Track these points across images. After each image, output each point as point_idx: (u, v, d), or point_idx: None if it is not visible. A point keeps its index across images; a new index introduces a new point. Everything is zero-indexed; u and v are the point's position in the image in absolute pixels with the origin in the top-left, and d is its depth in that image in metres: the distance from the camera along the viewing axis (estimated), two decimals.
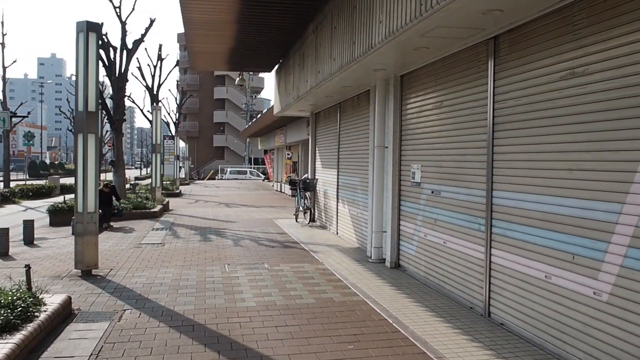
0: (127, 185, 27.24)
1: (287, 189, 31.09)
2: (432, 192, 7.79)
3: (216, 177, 63.81)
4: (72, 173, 58.14)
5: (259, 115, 37.05)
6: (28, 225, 12.09)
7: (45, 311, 5.79)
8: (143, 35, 18.94)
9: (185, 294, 7.34)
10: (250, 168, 63.88)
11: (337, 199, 13.07)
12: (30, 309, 5.66)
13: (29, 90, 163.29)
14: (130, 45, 18.90)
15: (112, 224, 15.33)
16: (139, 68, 30.81)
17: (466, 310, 6.61)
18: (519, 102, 5.69)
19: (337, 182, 13.06)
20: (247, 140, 64.39)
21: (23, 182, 36.65)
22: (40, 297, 6.19)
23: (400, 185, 9.02)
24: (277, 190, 34.83)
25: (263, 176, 57.15)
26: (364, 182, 10.91)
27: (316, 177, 15.64)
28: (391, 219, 9.12)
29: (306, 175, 15.82)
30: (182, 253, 10.60)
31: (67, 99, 45.76)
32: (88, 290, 7.57)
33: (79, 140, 8.56)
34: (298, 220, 15.85)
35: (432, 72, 7.84)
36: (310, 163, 16.01)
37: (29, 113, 31.33)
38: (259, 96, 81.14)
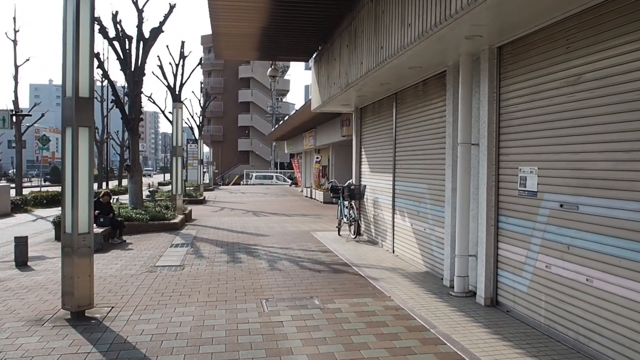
0: (146, 192, 25.24)
1: (318, 195, 28.88)
2: (562, 205, 5.41)
3: (241, 183, 61.86)
4: (95, 178, 56.46)
5: (287, 117, 34.91)
6: (20, 244, 9.95)
7: None
8: (162, 23, 16.81)
9: (211, 356, 5.06)
10: (277, 173, 61.80)
11: (393, 209, 10.74)
12: None
13: (54, 95, 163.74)
14: (147, 35, 16.78)
15: (124, 238, 13.21)
16: (160, 66, 28.88)
17: None
18: None
19: (393, 189, 10.73)
20: (273, 144, 62.41)
21: (38, 189, 35.04)
22: None
23: (498, 195, 6.65)
24: (307, 197, 32.59)
25: (290, 181, 54.98)
26: (436, 190, 8.56)
27: (362, 182, 13.32)
28: (485, 240, 6.74)
29: (350, 181, 13.51)
30: (206, 281, 8.36)
31: None
32: (73, 347, 5.33)
33: (67, 135, 6.37)
34: (341, 233, 13.53)
35: (559, 35, 5.47)
36: (354, 166, 13.69)
37: (34, 115, 29.43)
38: (284, 99, 79.30)
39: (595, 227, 4.94)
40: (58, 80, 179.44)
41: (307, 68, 56.33)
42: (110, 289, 7.81)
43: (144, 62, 17.03)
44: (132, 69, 16.86)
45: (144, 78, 17.36)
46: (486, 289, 6.75)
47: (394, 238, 10.73)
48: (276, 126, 45.92)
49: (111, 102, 17.70)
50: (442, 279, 8.20)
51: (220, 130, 76.85)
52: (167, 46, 30.23)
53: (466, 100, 7.15)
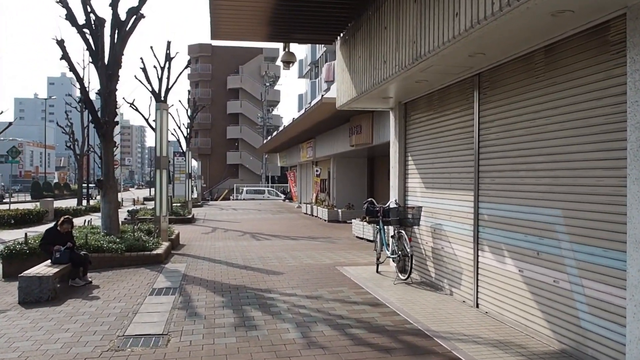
0: (124, 213, 21.77)
1: (321, 212, 25.47)
2: None
3: (231, 197, 58.32)
4: (76, 194, 52.51)
5: (282, 128, 31.63)
6: None
7: None
8: (142, 2, 13.40)
9: None
10: (269, 187, 58.31)
11: (476, 243, 7.35)
12: None
13: (39, 109, 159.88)
14: (123, 17, 13.37)
15: (90, 277, 9.77)
16: (144, 69, 25.53)
17: None
18: None
19: (476, 213, 7.35)
20: (265, 156, 59.00)
21: (7, 206, 31.39)
22: None
23: None
24: (306, 214, 29.13)
25: (284, 196, 51.51)
26: (586, 220, 5.17)
27: (408, 201, 9.97)
28: None
29: (392, 201, 10.12)
30: None
31: (66, 111, 40.37)
32: None
33: None
34: (380, 270, 10.14)
35: None
36: (395, 182, 10.33)
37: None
38: (275, 110, 76.17)
39: None
40: (43, 94, 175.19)
41: (301, 76, 53.11)
42: None
43: (120, 52, 13.61)
44: (106, 61, 13.43)
45: (121, 73, 13.90)
46: None
47: (477, 285, 7.33)
48: (269, 137, 42.63)
49: (79, 103, 14.23)
50: None
51: (208, 143, 73.64)
52: (151, 47, 26.78)
53: None
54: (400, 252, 9.14)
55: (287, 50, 11.25)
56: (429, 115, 9.07)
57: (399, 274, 9.25)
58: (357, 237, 16.98)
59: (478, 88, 7.28)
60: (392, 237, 9.52)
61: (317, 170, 30.73)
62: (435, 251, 8.78)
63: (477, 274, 7.32)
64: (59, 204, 37.21)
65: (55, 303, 8.03)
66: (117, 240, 12.09)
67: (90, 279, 9.67)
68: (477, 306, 7.32)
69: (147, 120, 27.32)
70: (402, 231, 9.11)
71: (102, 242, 11.71)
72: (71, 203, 39.00)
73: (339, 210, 24.04)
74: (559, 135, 5.58)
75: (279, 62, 77.75)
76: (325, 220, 24.22)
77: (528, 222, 6.12)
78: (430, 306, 7.50)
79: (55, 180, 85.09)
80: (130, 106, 28.39)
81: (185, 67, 27.81)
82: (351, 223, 18.59)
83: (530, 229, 6.08)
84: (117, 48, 13.52)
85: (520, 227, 6.29)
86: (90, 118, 34.22)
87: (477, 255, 7.32)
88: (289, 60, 11.40)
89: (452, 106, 8.15)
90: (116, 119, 14.07)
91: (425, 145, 9.24)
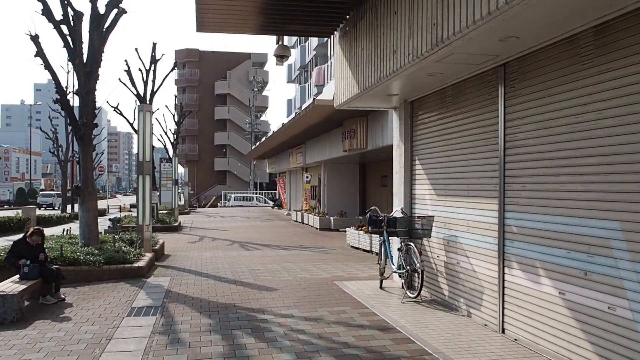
0: (106, 222, 20.68)
1: (312, 220, 24.51)
2: None
3: (218, 204, 57.16)
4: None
5: (270, 133, 30.65)
6: None
7: None
8: None
9: None
10: (257, 194, 57.23)
11: (501, 258, 6.40)
12: None
13: (26, 116, 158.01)
14: (103, 10, 12.37)
15: (63, 294, 8.75)
16: (128, 71, 24.55)
17: None
18: None
19: (501, 224, 6.40)
20: (253, 162, 58.00)
21: None
22: None
23: None
24: (297, 222, 28.16)
25: (272, 203, 50.45)
26: None
27: (415, 210, 9.03)
28: None
29: (398, 210, 9.16)
30: None
31: (50, 117, 39.45)
32: None
33: None
34: (384, 285, 9.17)
35: None
36: (400, 188, 9.38)
37: None
38: (263, 116, 75.22)
39: None
40: (30, 101, 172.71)
41: (290, 81, 52.21)
42: None
43: (100, 49, 12.58)
44: (85, 59, 12.38)
45: (105, 76, 12.88)
46: None
47: (502, 307, 6.38)
48: (257, 143, 41.64)
49: (55, 102, 13.18)
50: None
51: (196, 149, 72.52)
52: (136, 49, 25.81)
53: None
54: (408, 267, 8.16)
55: (280, 43, 10.29)
56: (440, 114, 8.13)
57: (407, 292, 8.27)
58: (352, 246, 16.05)
59: (504, 80, 6.35)
60: (398, 249, 8.55)
61: (307, 177, 29.81)
62: (449, 266, 7.82)
63: (503, 294, 6.37)
64: (43, 211, 35.92)
65: (20, 325, 7.02)
66: (96, 251, 11.05)
67: (63, 296, 8.68)
68: (503, 331, 6.36)
69: (131, 124, 26.32)
70: (411, 244, 8.14)
71: (78, 253, 10.69)
72: (50, 211, 37.83)
73: (331, 218, 23.11)
74: (617, 132, 4.64)
75: (267, 67, 77.19)
76: (316, 229, 23.30)
77: (572, 236, 5.18)
78: (448, 331, 6.54)
79: (42, 187, 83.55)
80: (115, 110, 27.39)
81: (171, 70, 26.84)
82: (344, 231, 17.66)
83: (575, 244, 5.13)
84: (97, 45, 12.50)
85: (561, 242, 5.34)
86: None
87: (503, 273, 6.36)
88: (282, 54, 10.43)
89: (469, 102, 7.21)
90: (96, 121, 13.04)
91: (436, 147, 8.29)
